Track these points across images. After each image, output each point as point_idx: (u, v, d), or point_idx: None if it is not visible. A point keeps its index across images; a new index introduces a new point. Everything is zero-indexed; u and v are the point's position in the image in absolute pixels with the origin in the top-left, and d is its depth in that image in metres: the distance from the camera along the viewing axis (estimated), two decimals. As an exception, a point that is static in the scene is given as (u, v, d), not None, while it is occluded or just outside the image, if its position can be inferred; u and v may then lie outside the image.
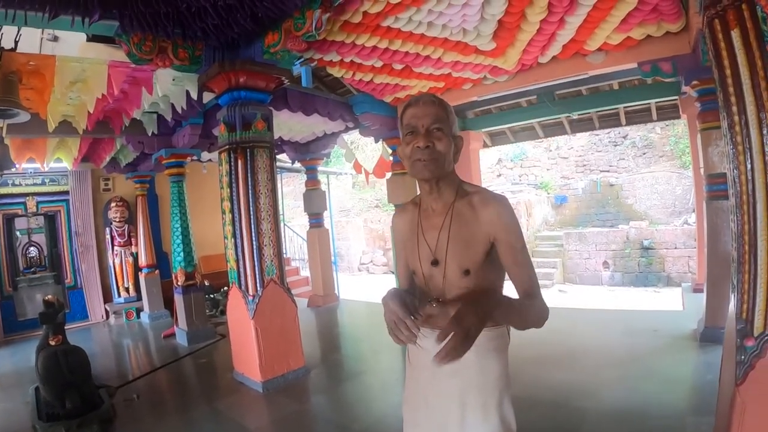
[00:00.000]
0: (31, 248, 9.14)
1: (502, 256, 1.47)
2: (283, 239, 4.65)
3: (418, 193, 1.64)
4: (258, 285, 4.43)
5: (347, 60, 4.65)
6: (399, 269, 1.75)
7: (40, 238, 9.24)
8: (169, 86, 4.67)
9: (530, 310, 1.44)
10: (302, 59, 4.61)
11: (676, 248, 13.36)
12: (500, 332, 1.54)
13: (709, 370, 3.93)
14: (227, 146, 4.44)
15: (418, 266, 1.58)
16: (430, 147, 1.43)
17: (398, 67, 5.00)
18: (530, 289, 1.45)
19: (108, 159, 7.56)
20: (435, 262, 1.53)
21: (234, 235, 4.49)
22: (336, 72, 5.05)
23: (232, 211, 4.48)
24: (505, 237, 1.44)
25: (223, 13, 3.59)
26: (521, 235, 1.48)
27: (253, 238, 4.41)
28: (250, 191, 4.40)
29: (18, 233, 9.12)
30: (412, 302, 1.37)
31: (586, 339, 5.14)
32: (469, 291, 1.48)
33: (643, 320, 5.84)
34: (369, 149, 8.81)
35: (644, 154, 17.99)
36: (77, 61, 4.15)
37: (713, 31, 2.08)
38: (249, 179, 4.40)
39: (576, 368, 4.35)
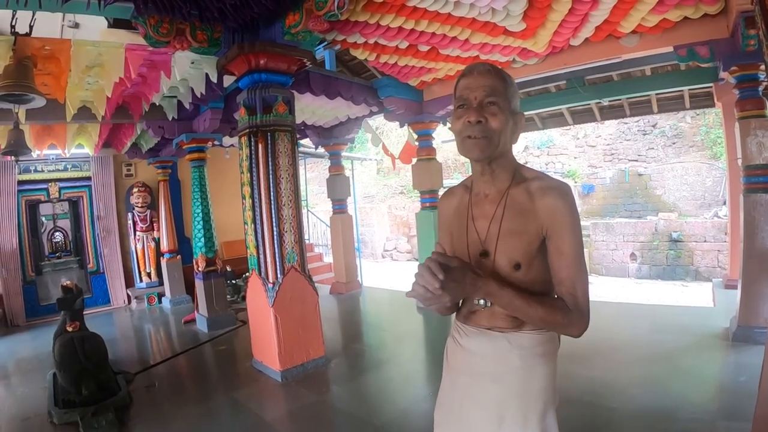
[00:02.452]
0: (57, 233, 9.27)
1: (549, 250, 1.31)
2: (305, 225, 4.55)
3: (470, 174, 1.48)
4: (278, 272, 4.33)
5: (371, 42, 4.51)
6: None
7: (66, 223, 9.36)
8: (188, 69, 4.57)
9: (552, 315, 1.26)
10: (325, 42, 4.49)
11: (705, 241, 12.97)
12: (549, 336, 1.38)
13: (741, 371, 3.76)
14: (247, 130, 4.34)
15: (466, 255, 1.41)
16: (482, 123, 1.28)
17: (424, 49, 4.85)
18: (565, 293, 1.29)
19: (129, 144, 7.56)
20: (484, 254, 1.38)
21: (254, 221, 4.40)
22: (360, 54, 4.91)
23: (252, 196, 4.38)
24: (556, 232, 1.29)
25: (242, -8, 3.48)
26: (576, 236, 1.30)
27: (274, 225, 4.31)
28: (270, 176, 4.30)
29: (43, 218, 9.24)
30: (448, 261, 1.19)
31: (614, 334, 4.96)
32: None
33: (673, 316, 5.63)
34: (395, 134, 8.67)
35: (674, 143, 17.53)
36: (93, 45, 4.07)
37: (765, 10, 1.88)
38: (270, 164, 4.30)
39: (604, 365, 4.19)
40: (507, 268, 1.33)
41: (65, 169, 8.38)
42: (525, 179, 1.37)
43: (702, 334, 4.74)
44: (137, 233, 8.70)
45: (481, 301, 1.37)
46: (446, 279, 1.14)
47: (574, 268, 1.29)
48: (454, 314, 1.55)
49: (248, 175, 4.39)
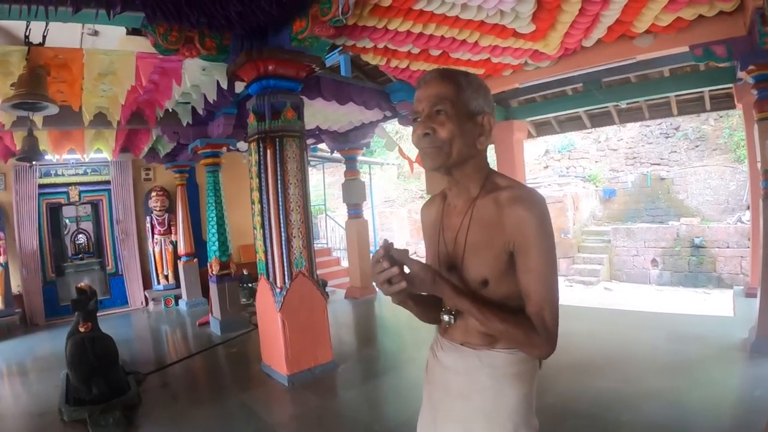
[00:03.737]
0: (80, 235, 9.44)
1: (517, 266, 1.23)
2: (312, 231, 4.56)
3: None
4: (286, 277, 4.34)
5: (381, 46, 4.52)
6: None
7: (89, 225, 9.55)
8: (199, 76, 4.63)
9: (514, 332, 1.19)
10: (339, 48, 4.50)
11: (728, 247, 12.63)
12: (525, 357, 1.28)
13: (757, 385, 3.65)
14: (256, 135, 4.37)
15: (436, 268, 1.33)
16: (430, 134, 1.24)
17: (435, 53, 4.83)
18: (532, 313, 1.20)
19: (146, 149, 7.67)
20: (451, 268, 1.33)
21: (263, 226, 4.43)
22: (371, 59, 4.92)
23: (260, 201, 4.41)
24: (523, 247, 1.20)
25: (246, 0, 3.49)
26: (545, 248, 1.20)
27: (282, 229, 4.33)
28: (279, 181, 4.32)
29: (67, 221, 9.42)
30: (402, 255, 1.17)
31: (628, 344, 4.85)
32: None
33: (690, 326, 5.48)
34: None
35: (697, 146, 17.14)
36: (105, 53, 4.15)
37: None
38: (278, 169, 4.31)
39: (615, 376, 4.08)
40: (475, 283, 1.28)
41: (85, 173, 8.57)
42: (496, 188, 1.29)
43: (719, 345, 4.60)
44: (155, 236, 8.83)
45: (445, 317, 1.35)
46: (411, 281, 1.15)
47: (542, 285, 1.20)
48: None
49: (257, 180, 4.41)
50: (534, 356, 1.24)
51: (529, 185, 1.32)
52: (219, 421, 3.79)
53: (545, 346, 1.20)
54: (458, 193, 1.35)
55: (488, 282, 1.26)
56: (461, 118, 1.25)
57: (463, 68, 5.17)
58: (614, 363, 4.35)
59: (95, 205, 8.93)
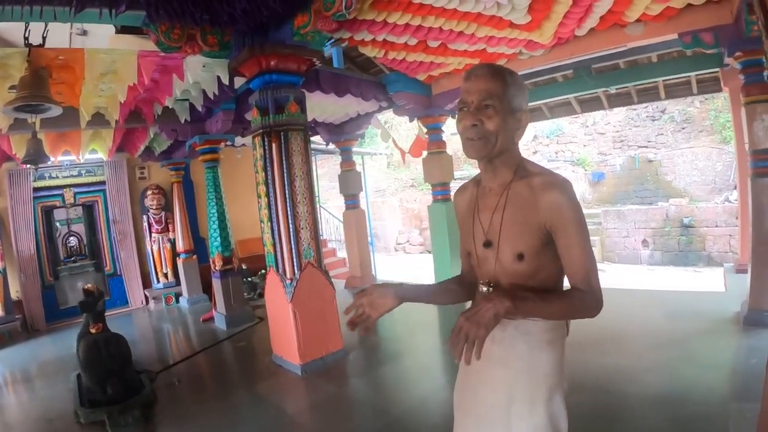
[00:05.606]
0: (71, 238, 9.40)
1: (558, 245, 1.37)
2: (319, 221, 4.64)
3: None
4: (295, 268, 4.43)
5: (379, 39, 4.56)
6: (460, 250, 1.68)
7: (80, 228, 9.50)
8: (200, 73, 4.67)
9: (571, 304, 1.35)
10: (333, 40, 4.55)
11: (717, 226, 12.90)
12: (555, 323, 1.45)
13: (753, 354, 3.82)
14: (261, 130, 4.43)
15: (472, 247, 1.52)
16: (478, 126, 1.35)
17: (433, 44, 4.89)
18: (581, 282, 1.34)
19: (142, 148, 7.65)
20: (487, 244, 1.46)
21: (270, 219, 4.50)
22: (368, 51, 4.97)
23: (267, 195, 4.48)
24: (562, 227, 1.34)
25: (251, -3, 3.55)
26: (581, 227, 1.35)
27: (290, 222, 4.41)
28: (285, 174, 4.39)
29: (57, 224, 9.37)
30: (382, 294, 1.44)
31: (627, 322, 5.00)
32: (523, 278, 1.40)
33: (685, 302, 5.68)
34: (404, 128, 8.71)
35: (683, 129, 17.38)
36: (106, 53, 4.16)
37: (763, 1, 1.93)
38: (284, 162, 4.38)
39: (617, 352, 4.25)
40: (510, 258, 1.40)
41: (79, 175, 8.54)
42: (527, 174, 1.42)
43: (714, 319, 4.78)
44: (153, 235, 8.85)
45: (484, 288, 1.47)
46: (481, 326, 1.17)
47: (585, 256, 1.35)
48: (469, 302, 1.63)
49: (263, 174, 4.48)
50: (589, 316, 1.36)
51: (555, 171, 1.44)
52: (236, 413, 3.87)
53: (597, 305, 1.35)
54: (494, 177, 1.47)
55: (524, 256, 1.38)
56: (506, 113, 1.37)
57: (459, 58, 5.31)
58: (615, 339, 4.51)
59: (90, 207, 8.89)
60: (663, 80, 7.32)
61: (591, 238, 1.40)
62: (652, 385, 3.53)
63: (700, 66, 6.23)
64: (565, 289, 1.42)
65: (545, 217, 1.35)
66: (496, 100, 1.35)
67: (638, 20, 4.48)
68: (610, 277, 12.08)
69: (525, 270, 1.40)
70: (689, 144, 16.74)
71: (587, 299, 1.34)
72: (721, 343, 4.23)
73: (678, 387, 3.44)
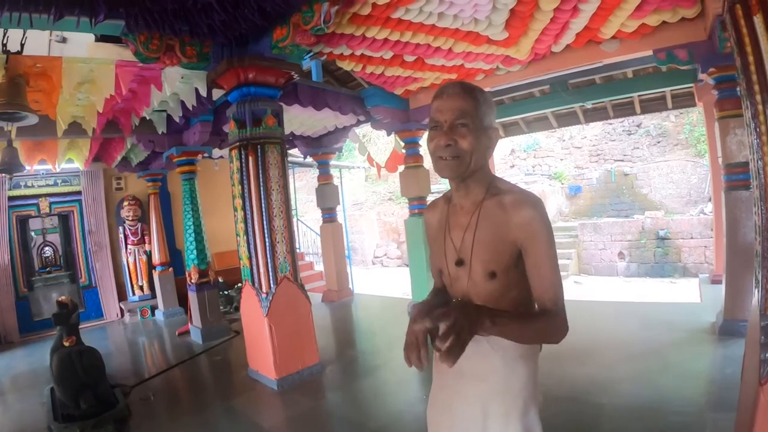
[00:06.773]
0: (46, 248, 9.20)
1: (527, 263, 1.37)
2: (296, 235, 4.62)
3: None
4: (271, 282, 4.39)
5: (357, 53, 4.58)
6: (431, 267, 1.69)
7: (55, 238, 9.31)
8: (178, 84, 4.63)
9: (538, 326, 1.33)
10: (312, 53, 4.56)
11: (692, 238, 13.16)
12: None
13: (728, 363, 3.87)
14: (237, 143, 4.40)
15: (444, 265, 1.52)
16: (452, 145, 1.36)
17: (410, 59, 4.93)
18: (549, 301, 1.34)
19: (119, 158, 7.56)
20: (459, 262, 1.46)
21: (246, 233, 4.46)
22: (346, 65, 4.98)
23: (243, 208, 4.45)
24: (533, 245, 1.34)
25: (230, 9, 3.55)
26: (551, 245, 1.35)
27: (266, 235, 4.38)
28: (261, 188, 4.36)
29: (33, 234, 9.19)
30: (438, 318, 1.11)
31: (603, 332, 5.07)
32: (495, 296, 1.40)
33: (661, 313, 5.74)
34: (381, 142, 8.73)
35: (659, 142, 17.74)
36: (84, 61, 4.11)
37: (735, 17, 2.00)
38: (260, 176, 4.36)
39: (593, 363, 4.29)
40: (482, 276, 1.41)
41: (55, 184, 8.38)
42: (499, 192, 1.43)
43: (689, 329, 4.86)
44: (129, 246, 8.68)
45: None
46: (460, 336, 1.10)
47: (553, 273, 1.35)
48: None
49: (239, 187, 4.45)
50: (554, 342, 1.34)
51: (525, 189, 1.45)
52: (211, 428, 3.82)
53: (565, 329, 1.36)
54: (466, 195, 1.47)
55: (496, 274, 1.39)
56: (479, 132, 1.38)
57: (437, 73, 5.36)
58: (591, 350, 4.55)
59: (65, 217, 8.73)
60: (638, 95, 7.47)
61: (568, 250, 1.41)
62: (629, 395, 3.56)
63: (674, 81, 6.36)
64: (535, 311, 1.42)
65: (516, 235, 1.35)
66: (469, 119, 1.36)
67: (614, 37, 4.58)
68: (587, 289, 12.22)
69: (497, 288, 1.41)
70: (665, 157, 17.07)
71: (558, 323, 1.34)
72: (697, 353, 4.29)
73: (654, 397, 3.48)
